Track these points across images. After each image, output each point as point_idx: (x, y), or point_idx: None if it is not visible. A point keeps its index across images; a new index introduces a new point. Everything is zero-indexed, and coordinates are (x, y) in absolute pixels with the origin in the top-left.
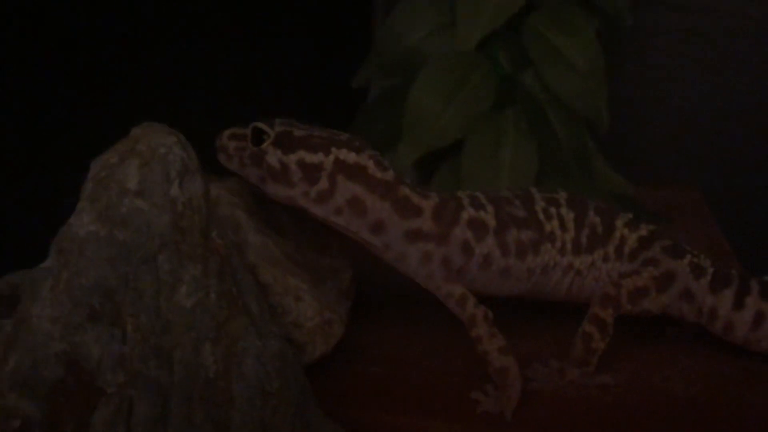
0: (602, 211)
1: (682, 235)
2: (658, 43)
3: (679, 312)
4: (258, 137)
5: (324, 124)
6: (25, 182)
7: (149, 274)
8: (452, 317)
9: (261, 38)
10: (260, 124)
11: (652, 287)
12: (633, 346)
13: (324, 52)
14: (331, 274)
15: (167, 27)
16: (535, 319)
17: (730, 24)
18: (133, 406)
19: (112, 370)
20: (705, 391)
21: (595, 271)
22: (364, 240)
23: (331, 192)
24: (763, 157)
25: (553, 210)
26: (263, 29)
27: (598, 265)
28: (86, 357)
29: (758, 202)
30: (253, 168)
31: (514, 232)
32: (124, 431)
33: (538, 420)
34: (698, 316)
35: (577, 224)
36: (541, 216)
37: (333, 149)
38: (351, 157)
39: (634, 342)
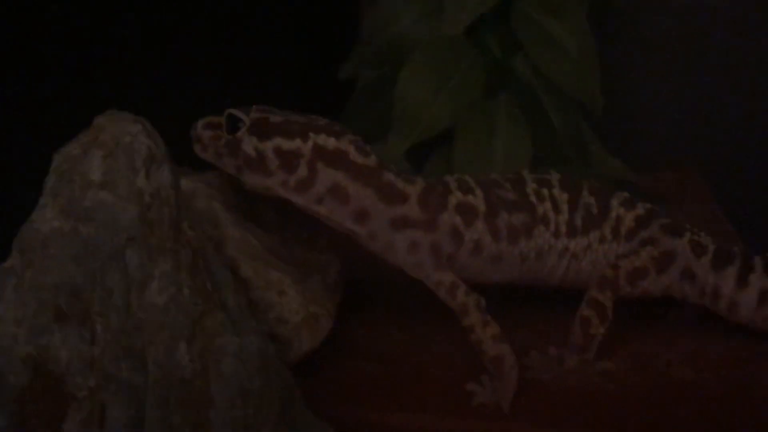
0: (597, 191)
1: (684, 218)
2: (652, 21)
3: (681, 292)
4: (233, 125)
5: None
6: None
7: (117, 270)
8: (444, 308)
9: (244, 30)
10: (235, 111)
11: (651, 268)
12: (634, 330)
13: (310, 43)
14: (318, 268)
15: (146, 16)
16: (530, 306)
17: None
18: (105, 411)
19: (82, 373)
20: (712, 375)
21: (592, 254)
22: (348, 230)
23: (311, 180)
24: (764, 138)
25: (545, 191)
26: (247, 20)
27: (594, 247)
28: (54, 360)
29: (759, 184)
30: (229, 157)
31: (505, 215)
32: None
33: (537, 411)
34: (701, 296)
35: (571, 205)
36: (533, 198)
37: (311, 135)
38: (330, 142)
39: (634, 325)
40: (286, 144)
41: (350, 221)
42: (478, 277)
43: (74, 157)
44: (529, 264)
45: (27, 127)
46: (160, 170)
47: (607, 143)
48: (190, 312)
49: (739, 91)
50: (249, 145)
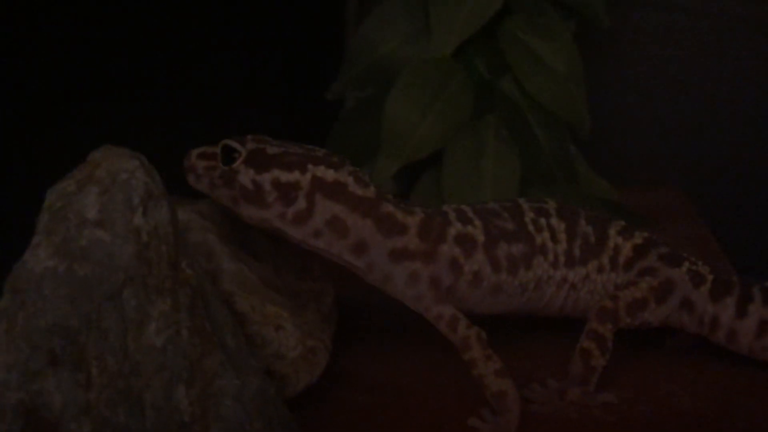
0: (594, 219)
1: (671, 237)
2: (638, 43)
3: (680, 322)
4: (229, 156)
5: (298, 139)
6: None
7: (114, 311)
8: (443, 338)
9: (229, 52)
10: (230, 142)
11: (650, 298)
12: (632, 359)
13: (296, 65)
14: (313, 298)
15: (131, 40)
16: (528, 336)
17: (714, 23)
18: None
19: (77, 419)
20: (713, 405)
21: (590, 284)
22: (346, 262)
23: (309, 212)
24: (748, 157)
25: (543, 221)
26: (231, 43)
27: (592, 277)
28: (47, 406)
29: (744, 202)
30: (224, 189)
31: (504, 246)
32: None
33: None
34: (699, 326)
35: (569, 235)
36: (531, 228)
37: (309, 166)
38: (329, 174)
39: (632, 354)
40: (284, 176)
41: (348, 254)
42: (477, 308)
43: (69, 194)
44: (528, 294)
45: (18, 163)
46: (158, 207)
47: (593, 163)
48: (188, 353)
49: (724, 110)
50: (246, 176)
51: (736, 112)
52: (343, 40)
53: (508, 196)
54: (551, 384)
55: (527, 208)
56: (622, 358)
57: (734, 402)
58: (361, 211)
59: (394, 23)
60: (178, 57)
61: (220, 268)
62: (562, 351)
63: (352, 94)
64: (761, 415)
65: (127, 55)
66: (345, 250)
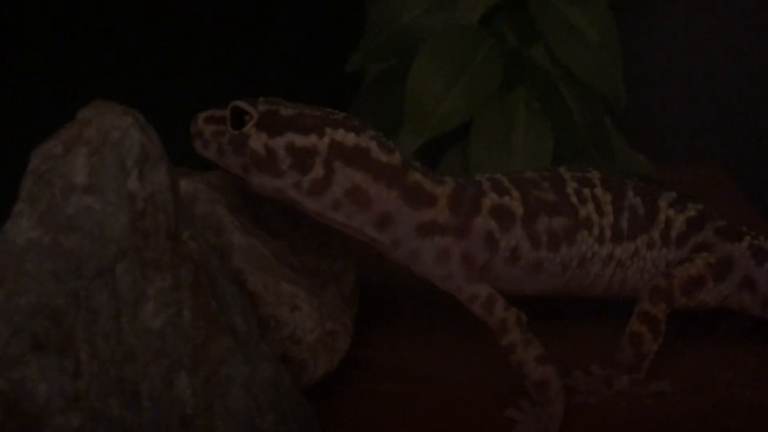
0: (642, 190)
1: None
2: (677, 10)
3: (739, 303)
4: (239, 119)
5: None
6: None
7: (105, 289)
8: (476, 322)
9: (248, 22)
10: (241, 103)
11: (708, 276)
12: (685, 345)
13: (314, 36)
14: (332, 277)
15: (148, 7)
16: (571, 319)
17: None
18: None
19: (64, 411)
20: None
21: (639, 261)
22: (368, 238)
23: (327, 181)
24: None
25: (587, 192)
26: (250, 13)
27: (641, 253)
28: (30, 397)
29: None
30: (234, 155)
31: (545, 219)
32: None
33: None
34: (763, 307)
35: (616, 207)
36: (574, 199)
37: (328, 130)
38: (350, 138)
39: (685, 340)
40: (300, 140)
41: (371, 228)
42: (514, 288)
43: (54, 157)
44: (571, 273)
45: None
46: (154, 171)
47: (629, 138)
48: (191, 337)
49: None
50: (257, 141)
51: None
52: (363, 9)
53: None
54: (597, 372)
55: (569, 178)
56: (674, 343)
57: None
58: (386, 180)
59: None
60: (198, 26)
61: (230, 243)
62: (608, 335)
63: (373, 67)
64: None
65: (143, 19)
66: (367, 224)
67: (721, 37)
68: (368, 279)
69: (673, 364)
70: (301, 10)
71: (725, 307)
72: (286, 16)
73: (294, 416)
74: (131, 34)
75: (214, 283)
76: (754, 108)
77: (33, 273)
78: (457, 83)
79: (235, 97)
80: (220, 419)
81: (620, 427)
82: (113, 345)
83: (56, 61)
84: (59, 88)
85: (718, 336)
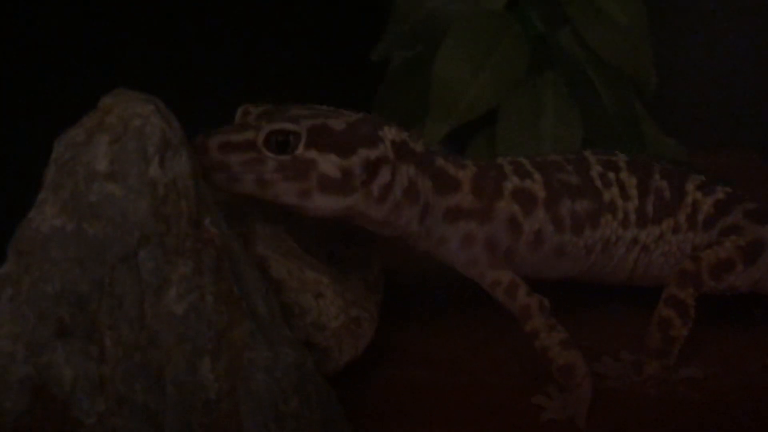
0: (669, 173)
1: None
2: None
3: None
4: (279, 141)
5: (344, 103)
6: None
7: (128, 275)
8: (500, 309)
9: (271, 11)
10: (278, 125)
11: (738, 259)
12: (716, 330)
13: (338, 24)
14: (357, 264)
15: None
16: (596, 305)
17: None
18: None
19: (90, 395)
20: None
21: (664, 245)
22: (407, 232)
23: (391, 184)
24: None
25: (611, 175)
26: (275, 2)
27: (667, 237)
28: (57, 381)
29: None
30: (287, 183)
31: (568, 202)
32: None
33: (616, 426)
34: None
35: (641, 190)
36: (599, 182)
37: (380, 133)
38: (396, 134)
39: (715, 325)
40: (374, 153)
41: (416, 222)
42: (538, 272)
43: (77, 145)
44: (595, 257)
45: (24, 112)
46: (176, 157)
47: (660, 122)
48: (213, 322)
49: None
50: (328, 163)
51: None
52: None
53: None
54: (626, 357)
55: (594, 161)
56: (704, 328)
57: None
58: (423, 170)
59: None
60: (220, 16)
61: (253, 230)
62: (635, 321)
63: (399, 54)
64: None
65: (165, 10)
66: (414, 219)
67: (755, 17)
68: (393, 265)
69: (704, 350)
70: (325, 4)
71: (757, 292)
72: (312, 6)
73: (318, 401)
74: (152, 22)
75: (235, 268)
76: None
77: (57, 260)
78: (484, 69)
79: (261, 92)
80: (243, 403)
81: (650, 412)
82: (137, 330)
83: (79, 51)
84: (82, 77)
85: (752, 322)
